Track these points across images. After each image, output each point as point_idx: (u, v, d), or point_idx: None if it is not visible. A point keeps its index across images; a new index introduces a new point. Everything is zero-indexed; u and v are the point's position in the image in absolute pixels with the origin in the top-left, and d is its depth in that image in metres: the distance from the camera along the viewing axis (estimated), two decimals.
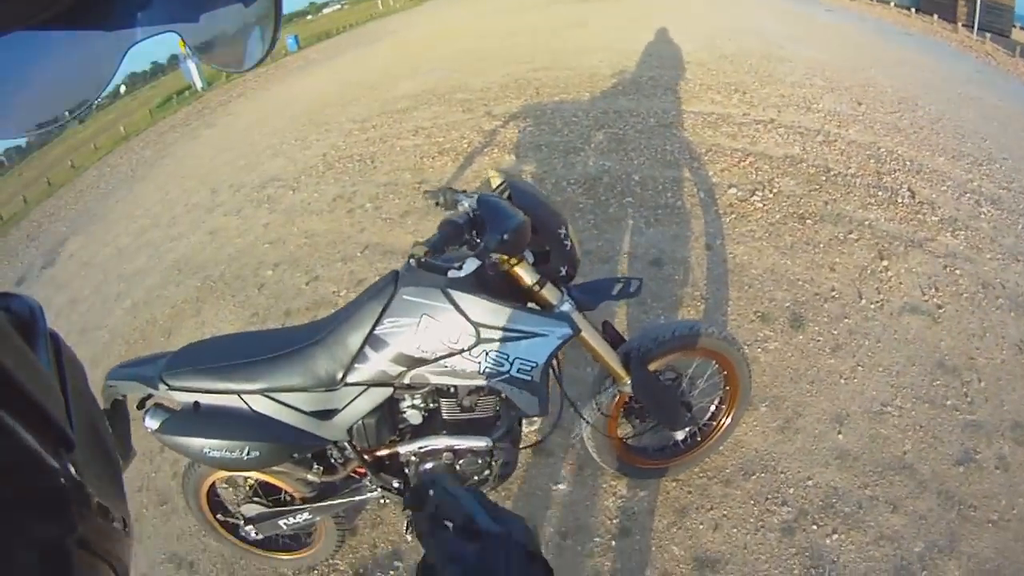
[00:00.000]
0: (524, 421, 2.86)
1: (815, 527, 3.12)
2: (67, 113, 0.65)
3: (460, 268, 2.42)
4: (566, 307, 2.62)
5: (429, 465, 2.68)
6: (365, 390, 2.49)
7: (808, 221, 5.10)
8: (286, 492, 2.91)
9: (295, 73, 19.33)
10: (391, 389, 2.51)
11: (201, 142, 10.46)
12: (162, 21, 0.65)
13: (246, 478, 2.90)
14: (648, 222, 5.23)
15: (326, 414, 2.50)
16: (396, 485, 2.78)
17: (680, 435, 3.20)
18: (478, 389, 2.61)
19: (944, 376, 3.77)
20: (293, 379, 2.46)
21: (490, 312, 2.42)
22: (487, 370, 2.45)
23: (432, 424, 2.70)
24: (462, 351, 2.42)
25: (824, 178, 5.60)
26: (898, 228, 5.07)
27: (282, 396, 2.47)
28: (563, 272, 2.65)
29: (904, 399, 3.66)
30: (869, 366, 3.88)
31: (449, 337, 2.40)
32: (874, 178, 5.65)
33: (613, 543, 3.15)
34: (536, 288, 2.56)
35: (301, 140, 8.39)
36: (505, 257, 2.49)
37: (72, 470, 0.45)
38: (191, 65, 27.64)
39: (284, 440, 2.49)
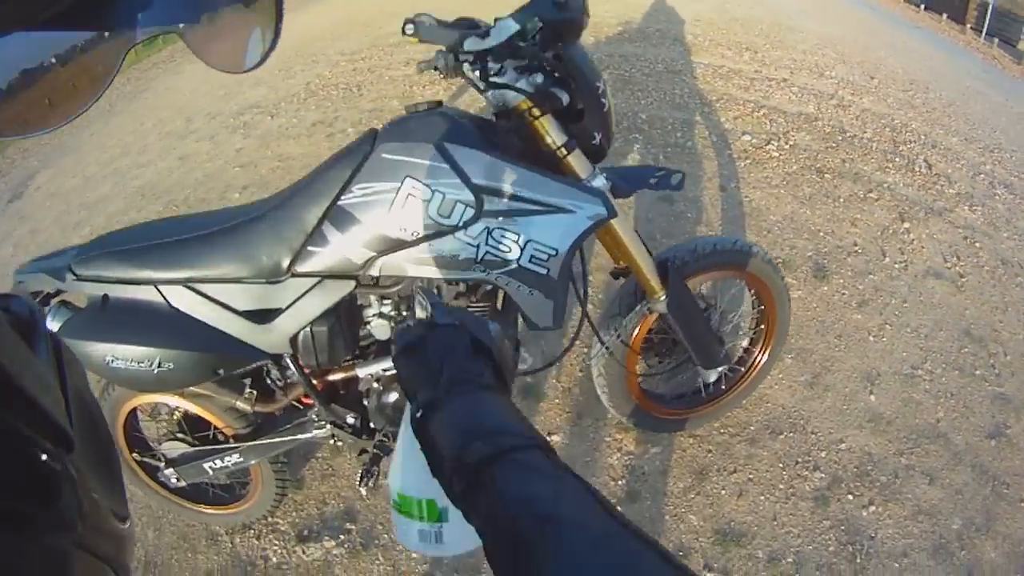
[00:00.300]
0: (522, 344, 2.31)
1: (851, 497, 2.71)
2: (71, 114, 0.61)
3: (485, 36, 1.90)
4: (599, 183, 2.05)
5: (394, 396, 2.09)
6: (318, 283, 1.90)
7: (826, 175, 4.70)
8: (215, 428, 2.31)
9: (287, 11, 18.42)
10: (352, 284, 1.93)
11: (183, 77, 9.78)
12: (162, 22, 0.63)
13: (172, 409, 2.31)
14: (656, 159, 4.75)
15: (264, 315, 1.93)
16: (351, 421, 2.18)
17: (712, 376, 2.66)
18: (470, 288, 2.05)
19: (971, 345, 3.49)
20: (224, 266, 1.88)
21: (498, 173, 1.84)
22: (487, 257, 1.87)
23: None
24: (455, 228, 1.84)
25: (840, 138, 5.21)
26: (917, 194, 4.73)
27: (208, 288, 1.90)
28: (597, 140, 2.08)
29: (934, 364, 3.35)
30: (897, 325, 3.54)
31: (440, 208, 1.81)
32: (890, 145, 5.29)
33: (619, 509, 2.61)
34: (563, 152, 1.99)
35: (285, 70, 7.74)
36: (528, 103, 1.93)
37: (72, 470, 0.43)
38: None
39: (206, 349, 1.92)
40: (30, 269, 1.97)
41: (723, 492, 2.69)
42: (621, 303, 2.48)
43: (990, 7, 18.07)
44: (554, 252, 1.89)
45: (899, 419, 3.02)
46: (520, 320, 2.09)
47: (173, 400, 2.21)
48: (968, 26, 18.51)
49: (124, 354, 1.86)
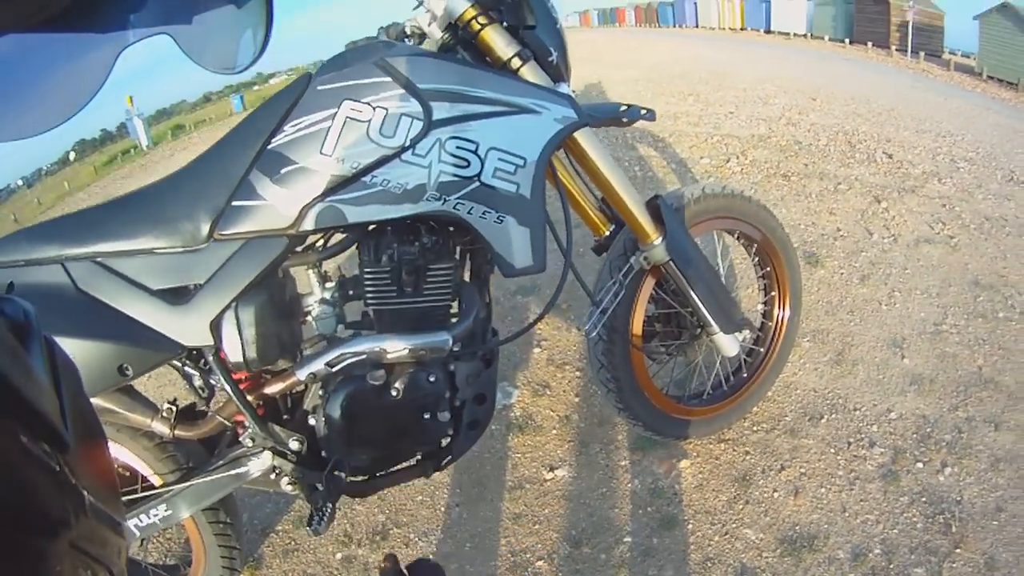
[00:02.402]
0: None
1: (920, 465, 2.20)
2: (65, 116, 0.59)
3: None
4: (564, 89, 1.66)
5: (340, 398, 1.57)
6: (243, 245, 1.47)
7: (792, 178, 4.36)
8: (142, 479, 1.78)
9: None
10: (284, 242, 1.48)
11: None
12: (154, 23, 0.61)
13: None
14: None
15: (181, 294, 1.48)
16: (294, 447, 1.64)
17: (732, 350, 2.14)
18: (426, 232, 1.58)
19: (984, 293, 3.09)
20: (137, 235, 1.45)
21: (448, 74, 1.47)
22: (442, 178, 1.47)
23: (346, 322, 1.69)
24: (402, 149, 1.44)
25: (797, 148, 4.91)
26: (885, 180, 4.41)
27: (119, 264, 1.46)
28: (553, 59, 1.70)
29: (956, 317, 2.92)
30: (905, 291, 3.11)
31: (382, 127, 1.43)
32: (847, 147, 5.00)
33: (654, 540, 2.07)
34: (516, 63, 1.62)
35: None
36: (474, 10, 1.57)
37: (67, 471, 0.39)
38: (137, 123, 25.97)
39: (111, 337, 1.44)
40: None
41: (776, 495, 2.16)
42: (612, 266, 2.00)
43: (910, 25, 18.09)
44: (522, 162, 1.50)
45: (941, 375, 2.55)
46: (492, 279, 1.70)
47: None
48: (894, 48, 18.50)
49: None
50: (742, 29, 25.12)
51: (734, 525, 2.09)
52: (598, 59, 9.36)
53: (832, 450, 2.27)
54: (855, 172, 4.47)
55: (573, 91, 1.73)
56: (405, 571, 0.83)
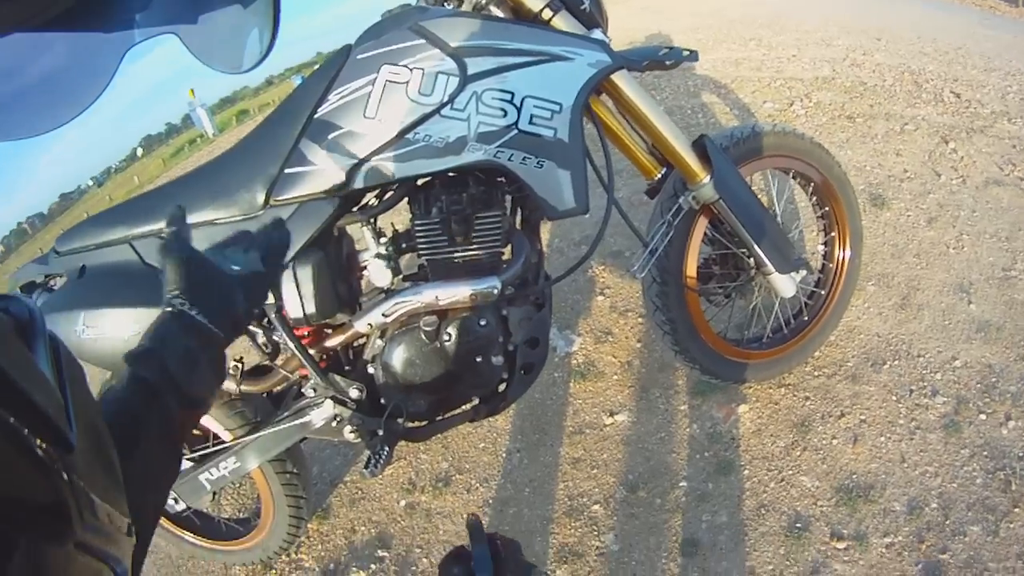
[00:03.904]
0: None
1: (983, 416, 2.07)
2: (71, 115, 0.57)
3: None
4: (597, 35, 1.62)
5: (402, 359, 1.59)
6: (298, 208, 1.50)
7: (857, 120, 4.08)
8: (213, 436, 1.83)
9: None
10: (336, 202, 1.51)
11: None
12: (160, 23, 0.60)
13: None
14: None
15: None
16: (355, 395, 1.67)
17: (790, 290, 2.04)
18: (474, 182, 1.57)
19: None
20: (198, 208, 1.50)
21: (479, 30, 1.45)
22: (481, 129, 1.46)
23: (402, 274, 1.69)
24: (441, 106, 1.44)
25: (862, 89, 4.58)
26: (952, 120, 4.08)
27: None
28: (586, 6, 1.64)
29: None
30: (974, 234, 2.90)
31: (421, 87, 1.44)
32: (913, 87, 4.64)
33: (709, 486, 2.02)
34: (548, 14, 1.58)
35: None
36: None
37: (72, 472, 0.38)
38: (201, 113, 25.93)
39: None
40: (24, 265, 1.65)
41: (834, 442, 2.07)
42: (662, 207, 1.94)
43: None
44: (557, 107, 1.49)
45: (1008, 323, 2.38)
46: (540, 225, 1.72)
47: None
48: None
49: (95, 322, 1.47)
50: None
51: (790, 472, 2.01)
52: (655, 9, 8.94)
53: (894, 398, 2.15)
54: (922, 112, 4.16)
55: (610, 39, 1.67)
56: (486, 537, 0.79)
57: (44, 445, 0.36)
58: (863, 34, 6.19)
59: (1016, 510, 1.79)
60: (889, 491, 1.90)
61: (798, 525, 1.86)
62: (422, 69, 1.44)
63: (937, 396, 2.13)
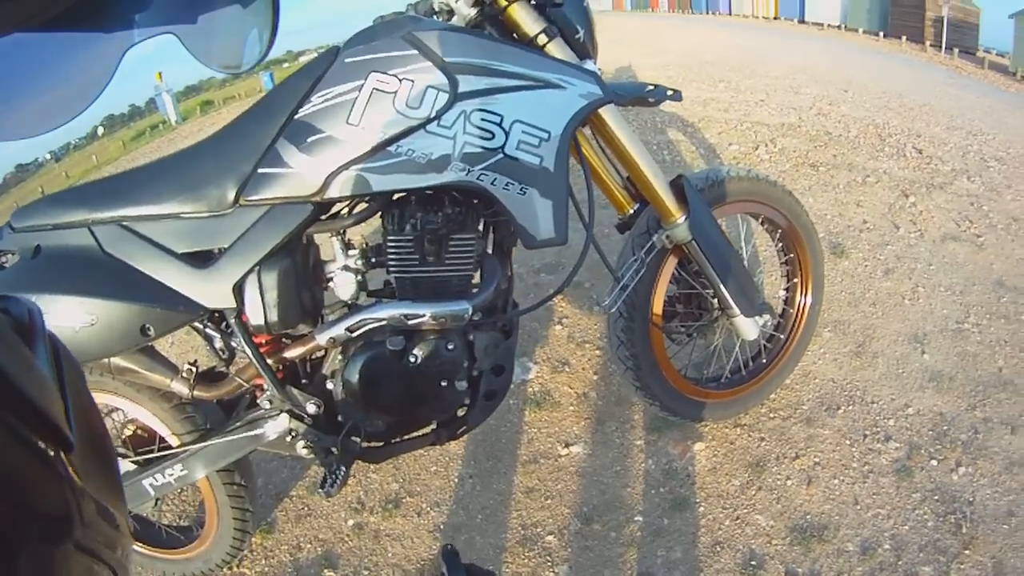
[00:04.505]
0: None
1: (934, 462, 2.15)
2: (69, 115, 0.58)
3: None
4: (590, 67, 1.64)
5: (359, 363, 1.58)
6: (268, 211, 1.47)
7: (821, 168, 4.26)
8: (160, 441, 1.79)
9: None
10: (308, 209, 1.48)
11: None
12: (160, 22, 0.60)
13: (123, 418, 1.79)
14: None
15: (206, 257, 1.50)
16: (312, 410, 1.65)
17: (752, 333, 2.10)
18: (450, 202, 1.57)
19: (1008, 294, 2.98)
20: (164, 200, 1.46)
21: (474, 48, 1.46)
22: (467, 149, 1.46)
23: (367, 289, 1.68)
24: (427, 121, 1.43)
25: (827, 138, 4.79)
26: (914, 175, 4.28)
27: (145, 227, 1.47)
28: (580, 36, 1.68)
29: (978, 316, 2.83)
30: (929, 287, 3.03)
31: (408, 98, 1.42)
32: (876, 140, 4.87)
33: (664, 521, 2.05)
34: (543, 40, 1.59)
35: None
36: None
37: (71, 471, 0.39)
38: (166, 98, 25.74)
39: (135, 299, 1.46)
40: None
41: (789, 483, 2.13)
42: (634, 243, 1.97)
43: (945, 20, 17.50)
44: (546, 135, 1.49)
45: (960, 374, 2.48)
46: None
47: (109, 400, 1.71)
48: (928, 43, 17.86)
49: (45, 307, 1.36)
50: (775, 18, 24.58)
51: (745, 510, 2.06)
52: (630, 43, 9.22)
53: (847, 441, 2.22)
54: (884, 165, 4.36)
55: (600, 70, 1.71)
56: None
57: (45, 445, 0.37)
58: (831, 84, 6.47)
59: (967, 552, 1.85)
60: (843, 532, 1.95)
61: (752, 563, 1.90)
62: (412, 80, 1.43)
63: (890, 441, 2.20)
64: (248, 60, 0.65)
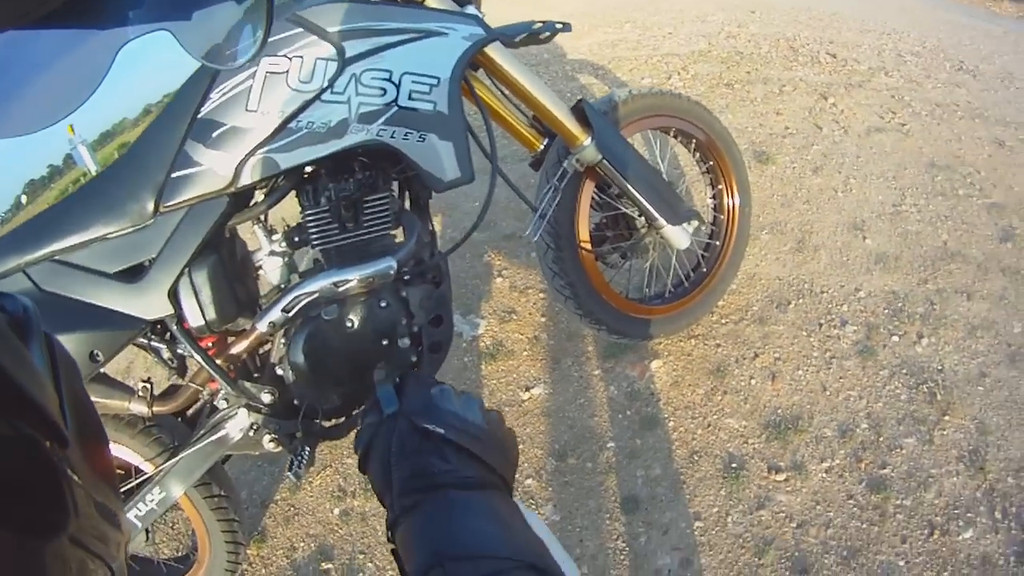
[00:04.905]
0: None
1: (895, 338, 2.16)
2: (64, 112, 0.59)
3: None
4: (470, 10, 1.67)
5: (300, 341, 1.59)
6: (187, 212, 1.50)
7: (736, 86, 4.23)
8: (135, 469, 1.80)
9: None
10: (224, 202, 1.52)
11: None
12: (154, 19, 0.61)
13: None
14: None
15: (137, 272, 1.52)
16: (267, 400, 1.68)
17: (684, 242, 2.08)
18: (359, 168, 1.61)
19: (942, 172, 3.05)
20: (89, 225, 1.49)
21: (355, 13, 1.51)
22: (362, 109, 1.51)
23: (298, 270, 1.70)
24: (321, 91, 1.49)
25: (739, 58, 4.77)
26: (830, 79, 4.30)
27: (75, 256, 1.50)
28: None
29: (915, 197, 2.87)
30: (860, 177, 3.06)
31: (300, 74, 1.48)
32: (789, 52, 4.86)
33: (637, 442, 2.03)
34: None
35: None
36: None
37: (66, 467, 0.38)
38: (82, 149, 25.35)
39: (79, 328, 1.50)
40: None
41: (753, 382, 2.11)
42: (548, 173, 1.99)
43: None
44: (435, 81, 1.55)
45: (905, 252, 2.50)
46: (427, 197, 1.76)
47: None
48: None
49: None
50: None
51: (715, 417, 2.03)
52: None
53: (804, 333, 2.20)
54: (799, 74, 4.36)
55: (483, 14, 1.73)
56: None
57: (40, 439, 0.36)
58: (737, 9, 6.46)
59: (946, 417, 1.86)
60: (817, 419, 1.94)
61: (733, 465, 1.87)
62: (301, 57, 1.47)
63: (847, 326, 2.19)
64: (242, 55, 0.67)
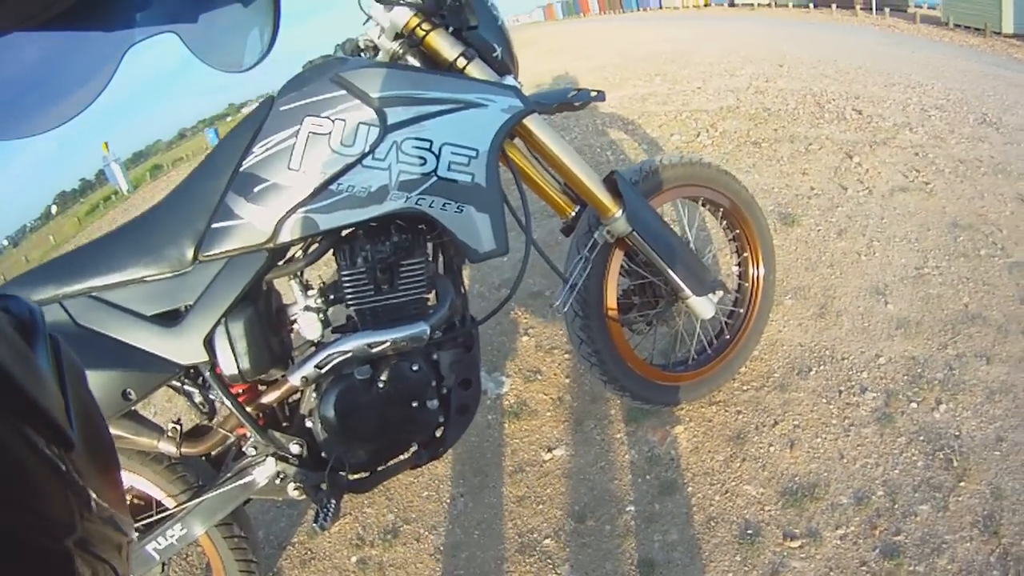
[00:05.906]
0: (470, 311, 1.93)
1: (914, 405, 2.24)
2: (70, 115, 0.60)
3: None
4: (509, 82, 1.77)
5: (332, 398, 1.68)
6: (226, 264, 1.57)
7: (763, 144, 4.39)
8: (156, 504, 1.86)
9: None
10: (264, 256, 1.58)
11: None
12: (160, 22, 0.62)
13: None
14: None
15: (173, 316, 1.59)
16: (295, 451, 1.74)
17: (709, 312, 2.20)
18: (396, 231, 1.68)
19: (964, 233, 3.14)
20: (127, 266, 1.55)
21: (397, 81, 1.57)
22: (402, 177, 1.58)
23: (331, 326, 1.78)
24: (363, 156, 1.54)
25: (766, 114, 4.94)
26: (856, 136, 4.45)
27: (113, 295, 1.55)
28: (498, 54, 1.80)
29: (937, 259, 2.96)
30: (884, 240, 3.16)
31: (343, 137, 1.54)
32: (815, 108, 5.03)
33: (656, 506, 2.11)
34: (462, 63, 1.73)
35: None
36: (418, 18, 1.69)
37: (71, 470, 0.39)
38: (115, 168, 25.85)
39: (112, 366, 1.54)
40: None
41: (772, 449, 2.20)
42: (578, 243, 2.09)
43: None
44: (474, 153, 1.61)
45: (926, 317, 2.59)
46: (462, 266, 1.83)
47: None
48: (858, 7, 18.25)
49: None
50: (706, 6, 25.22)
51: (733, 483, 2.12)
52: (565, 51, 9.42)
53: (824, 400, 2.30)
54: (825, 131, 4.51)
55: (521, 83, 1.83)
56: None
57: (45, 443, 0.37)
58: (765, 62, 6.66)
59: (962, 484, 1.93)
60: (833, 487, 2.02)
61: (749, 532, 1.95)
62: (344, 120, 1.54)
63: (866, 393, 2.29)
64: (249, 60, 0.67)
